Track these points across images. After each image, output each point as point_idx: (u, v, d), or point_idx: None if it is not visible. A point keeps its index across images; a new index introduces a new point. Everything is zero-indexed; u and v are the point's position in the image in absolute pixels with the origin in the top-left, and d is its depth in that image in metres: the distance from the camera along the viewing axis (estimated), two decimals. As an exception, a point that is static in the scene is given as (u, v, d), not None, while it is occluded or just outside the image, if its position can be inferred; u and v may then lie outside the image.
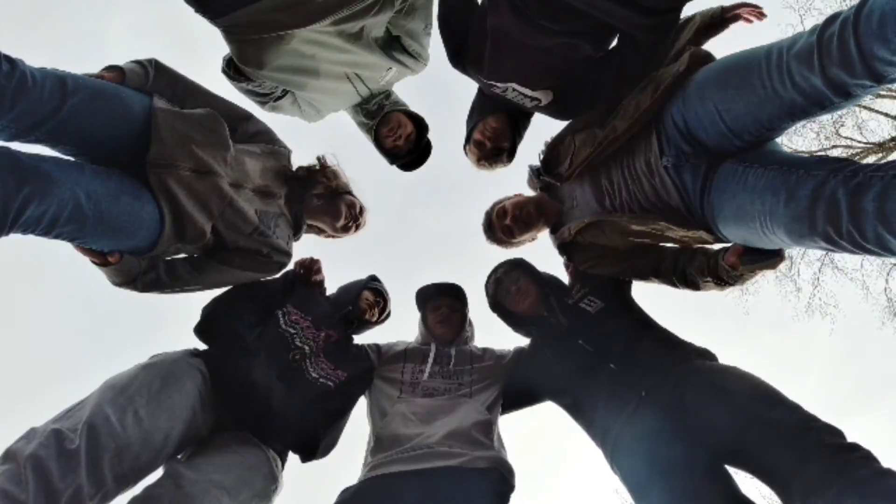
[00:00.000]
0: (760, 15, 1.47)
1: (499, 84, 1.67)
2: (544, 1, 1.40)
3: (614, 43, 1.56)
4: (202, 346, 1.57)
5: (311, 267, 1.90)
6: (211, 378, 1.41)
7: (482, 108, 1.93)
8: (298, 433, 1.53)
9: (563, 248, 1.84)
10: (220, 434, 1.41)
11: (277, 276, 1.77)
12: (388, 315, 2.10)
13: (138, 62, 1.47)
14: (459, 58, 1.66)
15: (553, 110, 1.74)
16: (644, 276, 1.70)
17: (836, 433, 1.19)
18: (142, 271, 1.43)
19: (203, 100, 1.54)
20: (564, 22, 1.40)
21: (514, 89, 1.65)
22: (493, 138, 1.90)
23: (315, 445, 1.56)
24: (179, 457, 1.33)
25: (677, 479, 1.30)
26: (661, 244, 1.64)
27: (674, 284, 1.64)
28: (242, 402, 1.43)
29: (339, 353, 1.76)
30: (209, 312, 1.61)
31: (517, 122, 1.95)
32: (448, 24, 1.64)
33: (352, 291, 1.99)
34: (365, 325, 2.00)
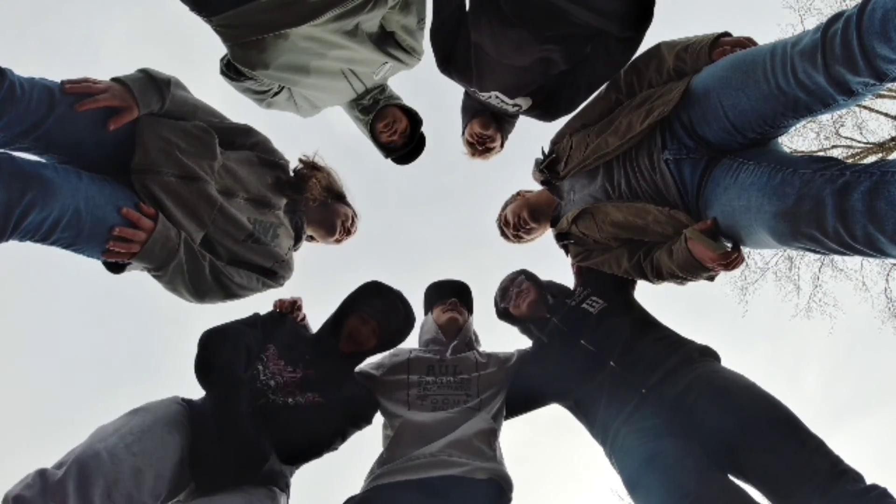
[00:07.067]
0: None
1: (483, 93, 1.82)
2: (523, 4, 1.48)
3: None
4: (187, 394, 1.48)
5: (290, 308, 1.81)
6: (193, 429, 1.34)
7: (470, 108, 2.13)
8: (285, 454, 1.45)
9: (561, 237, 1.88)
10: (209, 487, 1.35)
11: (258, 320, 1.69)
12: (405, 330, 1.85)
13: (157, 88, 1.34)
14: (448, 65, 1.76)
15: (534, 115, 1.89)
16: (621, 265, 1.71)
17: (831, 457, 1.19)
18: (180, 244, 1.32)
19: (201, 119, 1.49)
20: (541, 29, 1.50)
21: (497, 96, 1.80)
22: (481, 142, 2.13)
23: (291, 452, 1.48)
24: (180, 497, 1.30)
25: (674, 475, 1.29)
26: (644, 239, 1.65)
27: (644, 273, 1.65)
28: (222, 450, 1.33)
29: (318, 385, 1.60)
30: (208, 354, 1.46)
31: (503, 119, 2.10)
32: (439, 34, 1.71)
33: (329, 322, 1.79)
34: (362, 355, 1.81)
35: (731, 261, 1.34)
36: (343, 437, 1.58)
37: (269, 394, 1.50)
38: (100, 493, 1.02)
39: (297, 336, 1.72)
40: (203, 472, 1.31)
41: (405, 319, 1.85)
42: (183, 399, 1.45)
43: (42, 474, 1.01)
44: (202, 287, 1.42)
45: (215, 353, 1.45)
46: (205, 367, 1.43)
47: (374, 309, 1.79)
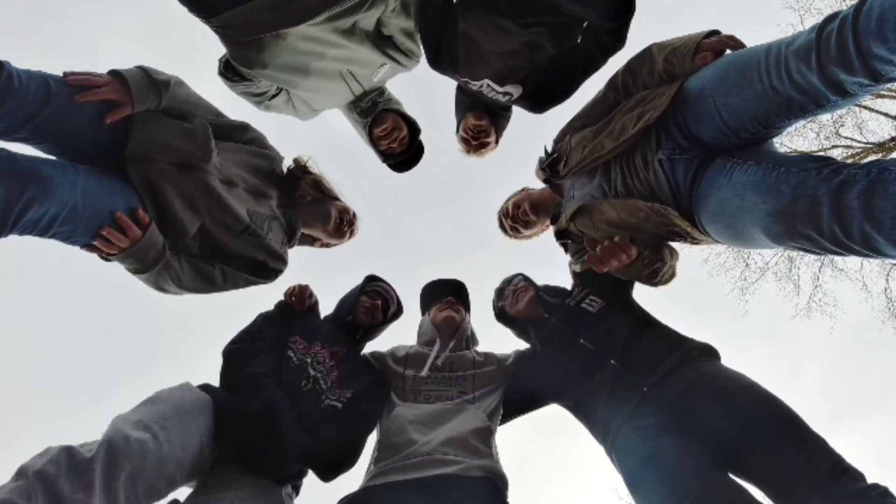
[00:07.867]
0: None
1: (474, 82, 1.82)
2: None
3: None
4: (202, 381, 1.51)
5: (301, 294, 1.91)
6: (221, 410, 1.37)
7: (463, 104, 2.14)
8: (310, 455, 1.48)
9: (560, 235, 1.89)
10: (223, 468, 1.37)
11: (274, 313, 1.82)
12: (399, 311, 2.08)
13: (154, 88, 1.33)
14: (438, 59, 1.78)
15: (525, 104, 1.89)
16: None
17: (832, 455, 1.19)
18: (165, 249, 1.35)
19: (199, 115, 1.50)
20: (529, 15, 1.52)
21: (488, 85, 1.82)
22: (475, 136, 2.11)
23: (329, 463, 1.51)
24: (182, 501, 1.29)
25: (675, 474, 1.28)
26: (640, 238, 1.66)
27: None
28: (253, 432, 1.37)
29: (347, 369, 1.76)
30: (230, 363, 1.57)
31: (497, 113, 2.10)
32: (428, 30, 1.72)
33: (348, 302, 2.01)
34: (372, 330, 1.99)
35: (603, 258, 1.48)
36: (374, 420, 1.70)
37: (309, 369, 1.64)
38: (124, 479, 1.01)
39: (313, 323, 1.89)
40: (227, 452, 1.34)
41: (397, 300, 2.14)
42: (206, 385, 1.46)
43: (69, 451, 0.99)
44: (167, 290, 1.47)
45: (238, 367, 1.54)
46: (231, 377, 1.52)
47: (377, 286, 2.07)
